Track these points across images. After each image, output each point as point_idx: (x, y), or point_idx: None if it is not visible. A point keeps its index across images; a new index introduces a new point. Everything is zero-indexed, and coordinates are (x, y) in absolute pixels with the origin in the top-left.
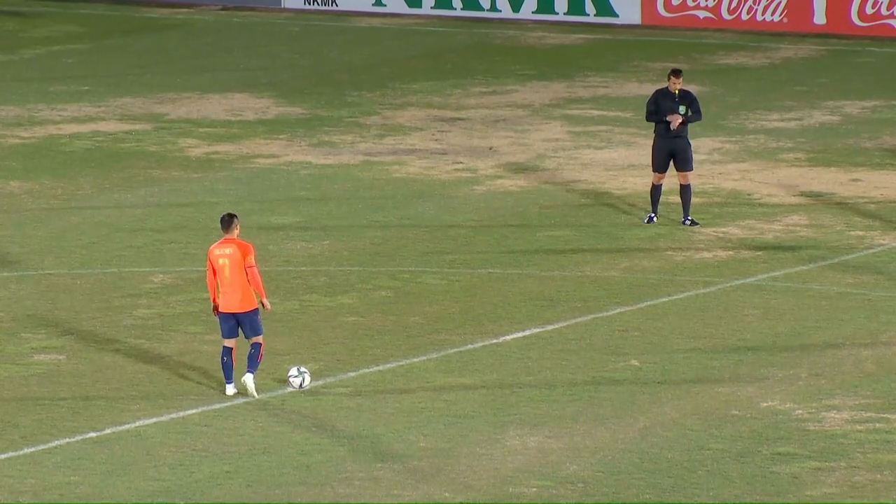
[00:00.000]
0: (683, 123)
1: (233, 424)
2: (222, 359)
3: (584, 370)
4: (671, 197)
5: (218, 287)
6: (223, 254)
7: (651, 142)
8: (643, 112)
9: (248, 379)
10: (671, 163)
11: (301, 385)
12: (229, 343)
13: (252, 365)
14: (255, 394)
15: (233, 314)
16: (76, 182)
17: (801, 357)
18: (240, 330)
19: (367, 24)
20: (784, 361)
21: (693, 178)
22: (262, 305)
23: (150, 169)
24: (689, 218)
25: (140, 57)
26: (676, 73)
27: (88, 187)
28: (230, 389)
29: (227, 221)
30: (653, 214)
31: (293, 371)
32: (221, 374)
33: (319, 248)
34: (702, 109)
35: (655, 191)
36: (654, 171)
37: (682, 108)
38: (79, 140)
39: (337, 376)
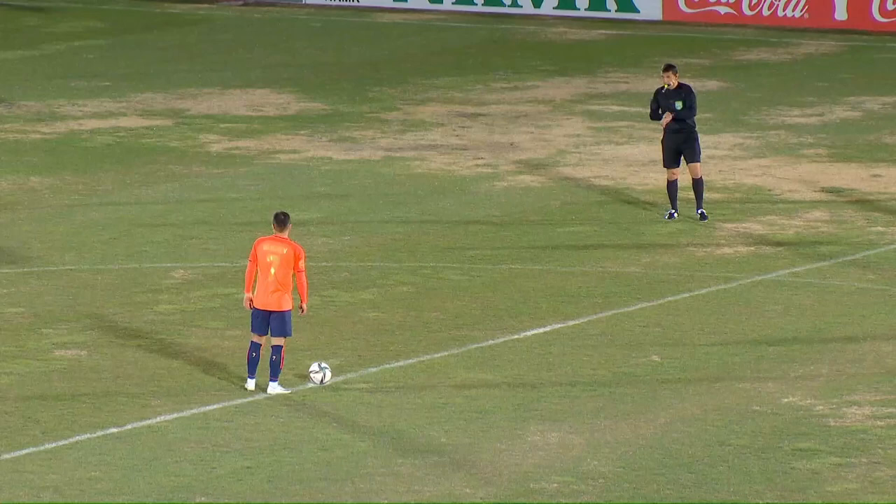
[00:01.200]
0: (682, 121)
1: (254, 420)
2: (250, 354)
3: (605, 366)
4: (691, 193)
5: (255, 281)
6: (274, 251)
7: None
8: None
9: (273, 388)
10: (681, 158)
11: (322, 381)
12: (259, 339)
13: (275, 373)
14: (284, 391)
15: (268, 311)
16: (97, 177)
17: (822, 353)
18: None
19: (388, 20)
20: (805, 357)
21: (703, 170)
22: (301, 308)
23: (170, 164)
24: (701, 210)
25: (161, 52)
26: (667, 67)
27: (109, 183)
28: (251, 384)
29: (283, 220)
30: (673, 210)
31: (314, 367)
32: (243, 370)
33: (340, 244)
34: (696, 105)
35: (671, 186)
36: (665, 166)
37: (678, 104)
38: (100, 135)
39: (358, 372)
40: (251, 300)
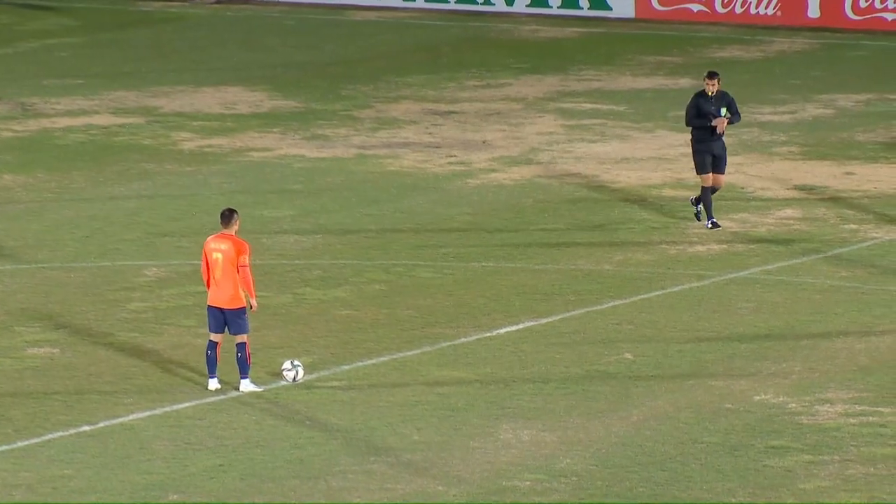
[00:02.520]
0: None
1: (226, 418)
2: (206, 352)
3: (577, 363)
4: (665, 190)
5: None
6: (218, 248)
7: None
8: (638, 106)
9: (245, 385)
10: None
11: (294, 378)
12: (215, 337)
13: (243, 370)
14: (256, 388)
15: (220, 309)
16: (70, 175)
17: (795, 350)
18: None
19: (361, 18)
20: (777, 355)
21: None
22: (249, 305)
23: (143, 162)
24: (713, 219)
25: (134, 50)
26: (712, 75)
27: (82, 181)
28: (213, 384)
29: (228, 216)
30: (713, 218)
31: (287, 364)
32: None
33: (313, 242)
34: (739, 110)
35: (706, 193)
36: (700, 173)
37: (722, 111)
38: (72, 133)
39: (331, 370)
40: None
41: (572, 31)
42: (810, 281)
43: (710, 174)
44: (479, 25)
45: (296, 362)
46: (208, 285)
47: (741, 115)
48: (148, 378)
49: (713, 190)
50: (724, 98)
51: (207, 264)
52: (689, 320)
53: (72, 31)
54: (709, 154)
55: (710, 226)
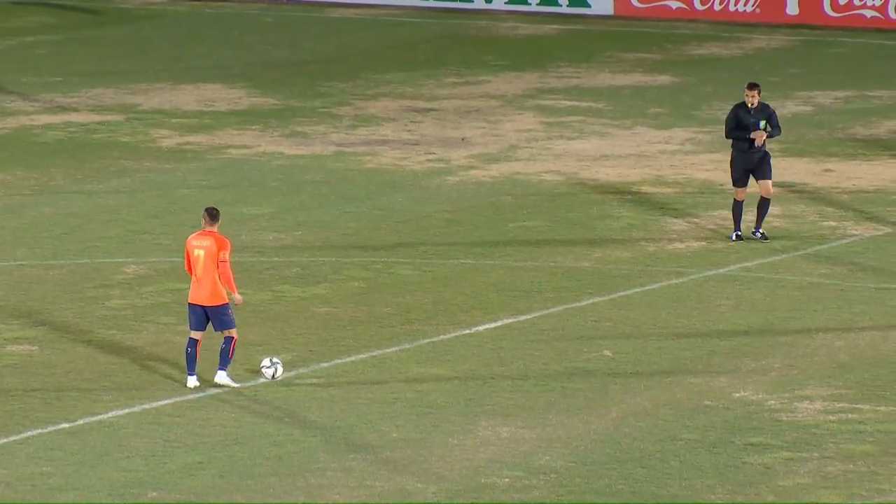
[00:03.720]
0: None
1: (205, 415)
2: (186, 349)
3: (556, 360)
4: (644, 187)
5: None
6: (200, 245)
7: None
8: (617, 103)
9: (221, 377)
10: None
11: (273, 376)
12: (196, 335)
13: (224, 361)
14: (232, 384)
15: (202, 306)
16: (49, 173)
17: (774, 347)
18: (209, 324)
19: (340, 15)
20: (757, 352)
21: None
22: (233, 300)
23: (122, 160)
24: (761, 231)
25: (112, 48)
26: (752, 86)
27: (61, 178)
28: (192, 381)
29: (213, 214)
30: (738, 231)
31: (266, 362)
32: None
33: (292, 239)
34: (780, 124)
35: (737, 207)
36: (735, 186)
37: (762, 123)
38: (51, 131)
39: (310, 367)
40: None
41: (551, 28)
42: (789, 278)
43: (745, 188)
44: (458, 23)
45: (275, 359)
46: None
47: (781, 129)
48: (127, 375)
49: (763, 199)
50: (765, 110)
51: (190, 261)
52: (668, 317)
53: (50, 28)
54: (746, 168)
55: (733, 238)
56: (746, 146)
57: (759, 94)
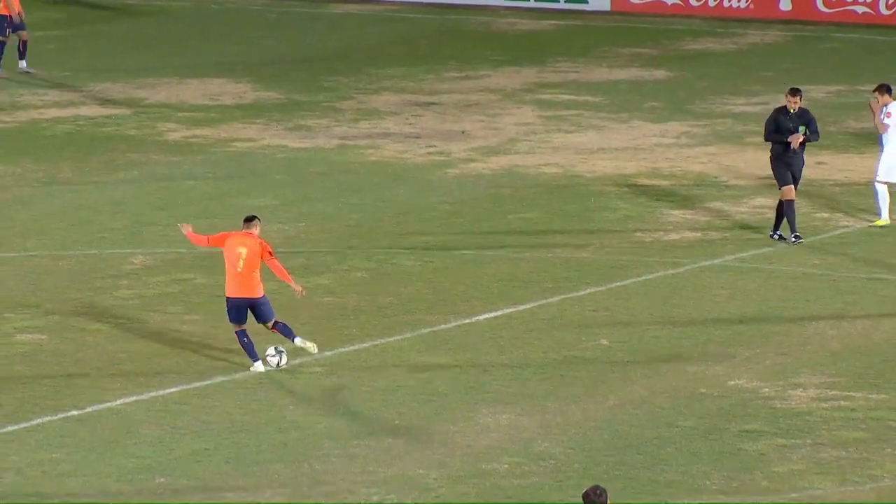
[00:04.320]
0: (803, 143)
1: (212, 403)
2: (241, 340)
3: (555, 349)
4: (641, 180)
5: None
6: (243, 243)
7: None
8: (614, 97)
9: (300, 341)
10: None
11: (278, 364)
12: (241, 327)
13: (289, 332)
14: (314, 349)
15: (245, 299)
16: (57, 165)
17: (768, 336)
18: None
19: (342, 11)
20: (751, 341)
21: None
22: (298, 291)
23: (129, 153)
24: (785, 233)
25: (119, 43)
26: (794, 91)
27: (69, 170)
28: (259, 366)
29: (252, 219)
30: (795, 233)
31: (271, 350)
32: (201, 354)
33: (296, 230)
34: (819, 130)
35: (789, 206)
36: (781, 186)
37: (801, 128)
38: (60, 124)
39: (314, 356)
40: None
41: (549, 24)
42: (783, 268)
43: (791, 186)
44: (458, 18)
45: (280, 348)
46: (198, 239)
47: (819, 135)
48: (135, 363)
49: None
50: (804, 115)
51: (214, 244)
52: (664, 307)
53: (57, 23)
54: (787, 171)
55: (794, 240)
56: (784, 149)
57: (800, 99)
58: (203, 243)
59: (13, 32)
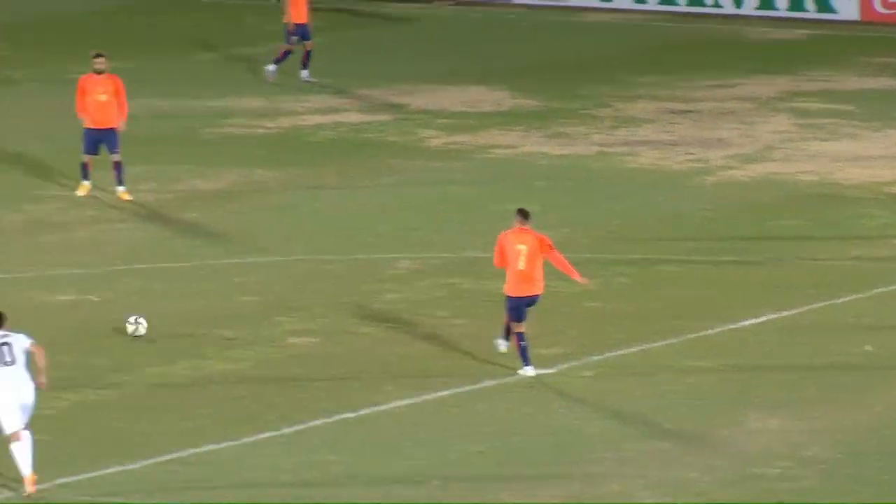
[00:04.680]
0: None
1: (483, 406)
2: (520, 343)
3: (819, 355)
4: (887, 188)
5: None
6: (522, 241)
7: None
8: (866, 106)
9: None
10: None
11: (135, 333)
12: (523, 327)
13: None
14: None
15: (528, 297)
16: (321, 171)
17: None
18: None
19: (594, 20)
20: None
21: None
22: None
23: (391, 158)
24: None
25: (377, 50)
26: None
27: (333, 176)
28: (530, 370)
29: (525, 214)
30: None
31: (130, 318)
32: (471, 358)
33: (559, 236)
34: None
35: None
36: None
37: None
38: (322, 130)
39: (581, 360)
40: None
41: (800, 33)
42: None
43: None
44: (709, 27)
45: (140, 319)
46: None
47: None
48: (406, 367)
49: None
50: None
51: (503, 255)
52: None
53: (317, 30)
54: None
55: None
56: None
57: None
58: (501, 263)
59: (300, 42)
